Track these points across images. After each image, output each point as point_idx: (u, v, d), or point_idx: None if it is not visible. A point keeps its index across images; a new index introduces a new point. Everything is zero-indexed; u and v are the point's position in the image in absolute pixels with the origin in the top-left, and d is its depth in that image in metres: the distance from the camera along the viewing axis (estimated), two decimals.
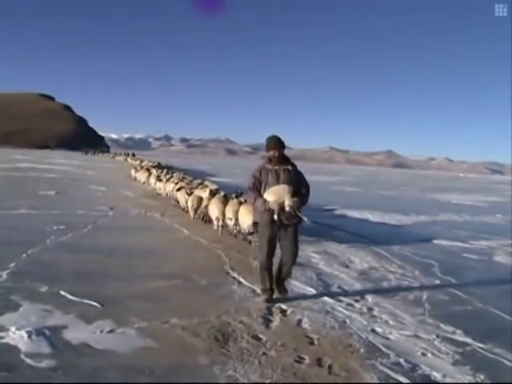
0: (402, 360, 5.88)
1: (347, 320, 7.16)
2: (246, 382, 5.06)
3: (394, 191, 46.56)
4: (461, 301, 8.60)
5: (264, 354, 5.80)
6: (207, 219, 15.19)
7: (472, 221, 23.13)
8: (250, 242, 12.39)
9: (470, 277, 10.59)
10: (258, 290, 8.18)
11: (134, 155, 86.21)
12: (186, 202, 16.70)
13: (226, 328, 6.52)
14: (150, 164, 43.12)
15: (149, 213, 17.50)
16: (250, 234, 12.08)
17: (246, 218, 11.74)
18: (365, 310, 7.75)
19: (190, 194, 16.58)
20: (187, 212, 16.77)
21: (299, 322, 7.01)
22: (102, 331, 6.15)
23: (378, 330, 6.88)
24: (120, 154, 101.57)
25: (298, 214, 7.55)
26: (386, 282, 9.59)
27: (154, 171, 30.80)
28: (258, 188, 7.64)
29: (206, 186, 18.08)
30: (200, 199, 15.52)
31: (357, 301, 8.15)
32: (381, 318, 7.38)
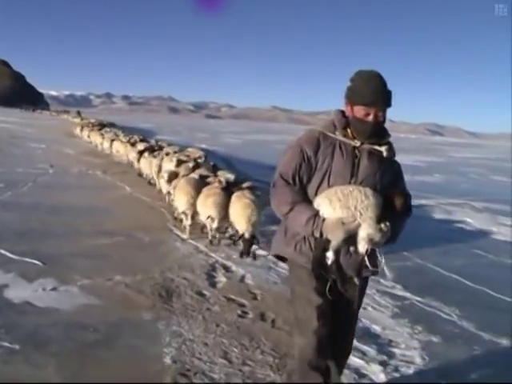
0: None
1: None
2: (191, 337, 5.12)
3: None
4: (400, 257, 8.79)
5: (208, 309, 5.86)
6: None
7: (412, 180, 23.45)
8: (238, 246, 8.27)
9: (409, 234, 10.73)
10: (202, 247, 8.23)
11: (79, 113, 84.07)
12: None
13: (169, 284, 6.54)
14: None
15: (90, 170, 17.29)
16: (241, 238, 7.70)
17: (242, 215, 7.71)
18: None
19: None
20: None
21: (242, 277, 7.10)
22: (44, 289, 6.09)
23: None
24: (65, 112, 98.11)
25: (379, 259, 3.60)
26: None
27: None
28: (301, 181, 3.52)
29: (189, 158, 13.00)
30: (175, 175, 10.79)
31: None
32: None
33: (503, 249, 10.19)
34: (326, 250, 3.36)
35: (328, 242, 3.33)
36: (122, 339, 4.98)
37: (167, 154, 13.99)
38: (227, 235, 8.91)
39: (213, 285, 6.71)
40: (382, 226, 3.32)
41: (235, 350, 4.92)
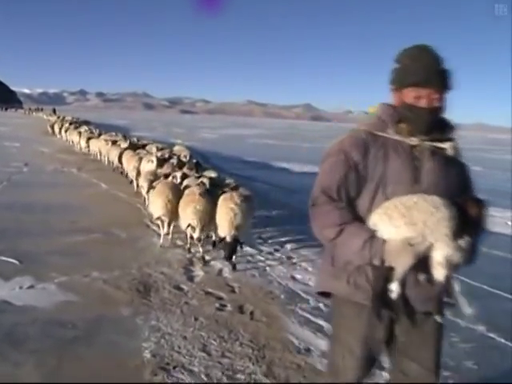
0: (321, 305, 6.03)
1: (267, 268, 7.31)
2: (170, 331, 5.13)
3: (313, 143, 47.02)
4: None
5: (186, 303, 5.88)
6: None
7: None
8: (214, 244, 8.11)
9: None
10: (179, 242, 8.22)
11: (55, 111, 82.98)
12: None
13: (147, 279, 6.55)
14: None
15: (65, 168, 17.21)
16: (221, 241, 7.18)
17: (225, 219, 7.12)
18: (284, 258, 7.91)
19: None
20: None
21: (220, 271, 7.13)
22: (21, 287, 6.07)
23: (298, 276, 7.06)
24: (40, 110, 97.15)
25: (452, 286, 2.81)
26: (304, 231, 9.74)
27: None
28: (348, 196, 2.71)
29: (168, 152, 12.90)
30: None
31: (277, 250, 8.30)
32: (300, 266, 7.56)
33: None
34: (388, 280, 2.56)
35: (391, 270, 2.54)
36: (100, 335, 4.98)
37: (150, 153, 13.28)
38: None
39: (190, 279, 6.73)
40: (461, 242, 2.55)
41: (214, 342, 4.94)
